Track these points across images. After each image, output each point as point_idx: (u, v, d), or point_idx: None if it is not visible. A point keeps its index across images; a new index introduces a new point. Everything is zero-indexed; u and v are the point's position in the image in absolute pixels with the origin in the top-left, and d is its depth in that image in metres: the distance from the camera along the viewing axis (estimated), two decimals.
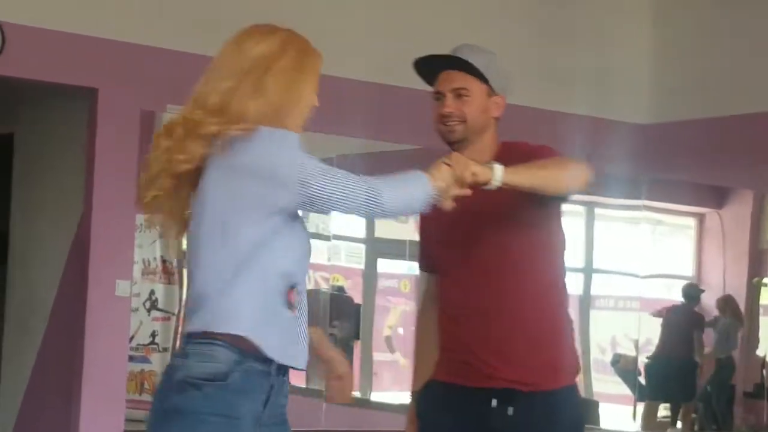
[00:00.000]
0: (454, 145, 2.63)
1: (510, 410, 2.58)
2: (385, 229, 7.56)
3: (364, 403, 7.37)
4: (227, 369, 1.93)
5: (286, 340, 2.02)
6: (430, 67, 2.72)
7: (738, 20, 7.30)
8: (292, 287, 2.07)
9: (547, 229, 2.68)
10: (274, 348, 1.96)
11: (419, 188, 2.05)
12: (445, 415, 2.72)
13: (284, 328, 2.03)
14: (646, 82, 8.01)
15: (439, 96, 2.70)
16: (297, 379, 7.20)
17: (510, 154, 2.53)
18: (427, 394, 2.80)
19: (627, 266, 8.56)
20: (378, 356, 7.67)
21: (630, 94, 7.82)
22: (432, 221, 2.66)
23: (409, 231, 7.16)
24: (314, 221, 6.69)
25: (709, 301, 8.46)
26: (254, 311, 1.98)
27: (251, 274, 1.99)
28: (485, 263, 2.68)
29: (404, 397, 7.70)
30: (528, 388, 2.58)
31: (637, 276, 8.21)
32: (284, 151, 1.99)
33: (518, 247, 2.65)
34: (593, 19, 7.51)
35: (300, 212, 2.16)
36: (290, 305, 2.04)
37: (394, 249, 7.80)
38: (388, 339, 7.67)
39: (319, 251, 6.98)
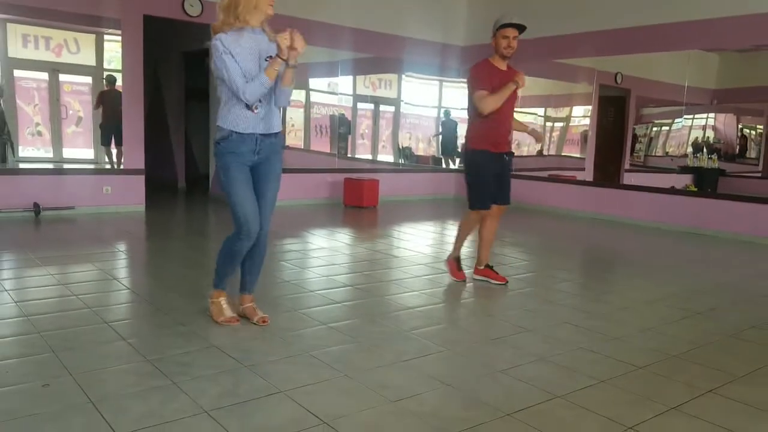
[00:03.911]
0: (506, 59, 4.47)
1: (507, 158, 4.66)
2: (364, 90, 10.41)
3: (352, 159, 10.26)
4: (227, 135, 3.22)
5: (246, 125, 3.21)
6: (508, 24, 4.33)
7: None
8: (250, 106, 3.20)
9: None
10: (237, 127, 3.21)
11: (259, 86, 3.11)
12: (494, 161, 4.58)
13: (247, 120, 3.21)
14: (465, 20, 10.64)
15: (506, 36, 4.37)
16: None
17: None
18: (483, 153, 4.54)
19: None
20: (358, 141, 10.43)
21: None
22: (495, 80, 4.37)
23: (380, 92, 10.50)
24: (333, 87, 9.81)
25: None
26: (230, 115, 3.22)
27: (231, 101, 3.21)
28: (511, 104, 4.54)
29: (367, 156, 10.62)
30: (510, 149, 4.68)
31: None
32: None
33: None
34: None
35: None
36: (250, 108, 3.20)
37: (365, 99, 10.51)
38: (361, 135, 10.48)
39: (335, 99, 9.96)
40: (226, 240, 3.45)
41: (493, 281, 4.84)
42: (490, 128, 4.50)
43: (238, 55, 3.13)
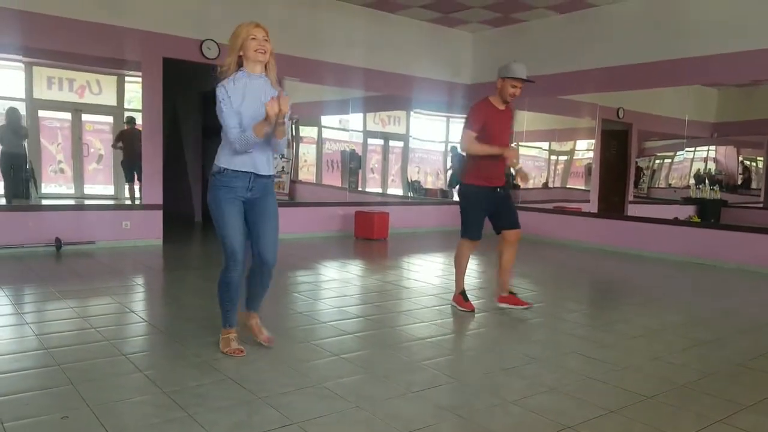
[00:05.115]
0: (509, 103, 4.61)
1: (500, 191, 4.69)
2: (374, 127, 10.55)
3: (363, 192, 10.40)
4: (222, 170, 3.29)
5: (241, 163, 3.27)
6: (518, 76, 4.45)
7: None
8: None
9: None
10: (231, 165, 3.28)
11: (247, 139, 3.16)
12: (487, 195, 4.65)
13: (242, 159, 3.27)
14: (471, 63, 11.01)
15: (515, 86, 4.48)
16: None
17: None
18: (476, 188, 4.62)
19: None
20: (369, 175, 10.52)
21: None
22: (490, 119, 4.49)
23: (389, 128, 10.70)
24: (344, 123, 9.95)
25: None
26: (226, 156, 3.29)
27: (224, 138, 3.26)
28: (506, 142, 4.63)
29: (377, 190, 10.48)
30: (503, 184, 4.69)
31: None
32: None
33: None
34: None
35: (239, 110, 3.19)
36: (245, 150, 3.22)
37: (375, 135, 10.59)
38: (372, 169, 10.56)
39: (347, 135, 10.02)
40: (220, 276, 3.47)
41: (516, 307, 4.83)
42: (485, 164, 4.56)
43: (235, 100, 3.20)
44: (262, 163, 3.34)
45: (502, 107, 4.61)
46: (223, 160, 3.29)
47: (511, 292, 4.90)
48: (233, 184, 3.30)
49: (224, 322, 3.61)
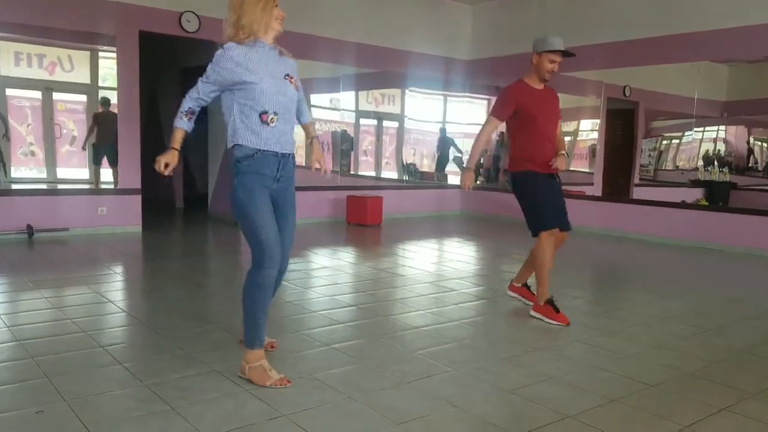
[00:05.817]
0: (547, 81, 4.37)
1: (557, 179, 4.44)
2: (367, 106, 10.56)
3: (355, 176, 10.43)
4: (252, 153, 2.98)
5: (267, 141, 2.98)
6: (556, 49, 4.25)
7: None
8: (264, 113, 2.96)
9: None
10: (262, 144, 2.97)
11: (180, 114, 3.14)
12: (545, 182, 4.31)
13: (267, 136, 2.98)
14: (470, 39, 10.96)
15: (554, 61, 4.28)
16: None
17: None
18: (532, 173, 4.30)
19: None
20: (361, 157, 10.63)
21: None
22: (527, 101, 4.23)
23: (383, 107, 10.67)
24: (335, 102, 9.90)
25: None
26: (247, 131, 2.98)
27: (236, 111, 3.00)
28: (553, 124, 4.39)
29: (370, 173, 10.68)
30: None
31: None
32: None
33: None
34: None
35: (251, 81, 2.97)
36: (265, 122, 2.97)
37: (368, 115, 10.52)
38: (364, 151, 10.60)
39: (338, 115, 10.03)
40: (248, 278, 3.06)
41: (526, 300, 4.71)
42: (535, 148, 4.30)
43: (243, 70, 2.98)
44: (286, 139, 3.07)
45: (540, 87, 4.35)
46: (247, 138, 2.98)
47: (525, 285, 4.77)
48: (262, 170, 3.00)
49: (252, 340, 3.08)
